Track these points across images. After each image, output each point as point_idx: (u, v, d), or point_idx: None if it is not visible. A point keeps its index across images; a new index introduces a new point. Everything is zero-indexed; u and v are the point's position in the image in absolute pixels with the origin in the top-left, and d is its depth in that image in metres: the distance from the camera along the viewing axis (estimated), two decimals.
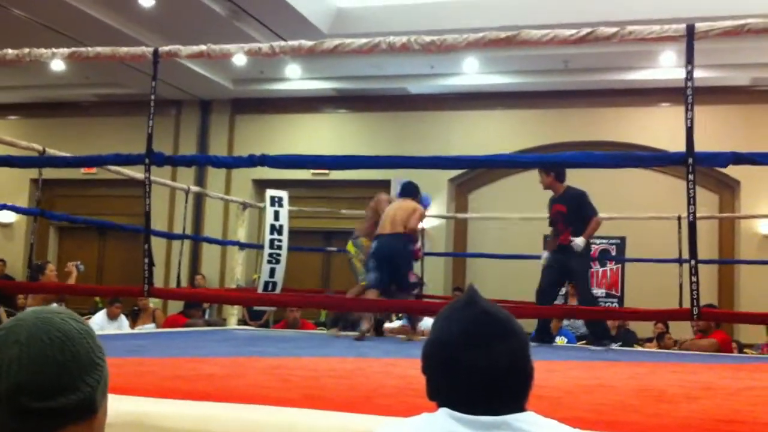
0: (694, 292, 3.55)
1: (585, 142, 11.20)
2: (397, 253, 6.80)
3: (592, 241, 10.88)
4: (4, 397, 1.16)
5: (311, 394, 2.99)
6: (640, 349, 8.33)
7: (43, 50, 4.68)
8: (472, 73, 11.59)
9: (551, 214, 6.78)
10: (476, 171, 12.05)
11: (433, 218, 11.20)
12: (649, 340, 9.17)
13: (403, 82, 12.12)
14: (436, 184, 11.68)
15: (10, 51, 4.72)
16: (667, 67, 10.61)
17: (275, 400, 2.77)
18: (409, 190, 7.15)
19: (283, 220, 7.98)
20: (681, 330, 8.80)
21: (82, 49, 4.75)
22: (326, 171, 11.83)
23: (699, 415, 2.83)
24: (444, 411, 1.41)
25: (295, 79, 12.39)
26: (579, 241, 6.40)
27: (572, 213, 6.56)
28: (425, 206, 7.30)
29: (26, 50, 4.70)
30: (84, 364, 1.20)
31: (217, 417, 2.54)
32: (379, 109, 12.70)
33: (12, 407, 1.16)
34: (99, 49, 4.67)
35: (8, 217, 13.70)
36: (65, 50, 4.70)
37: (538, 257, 7.02)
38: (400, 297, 6.83)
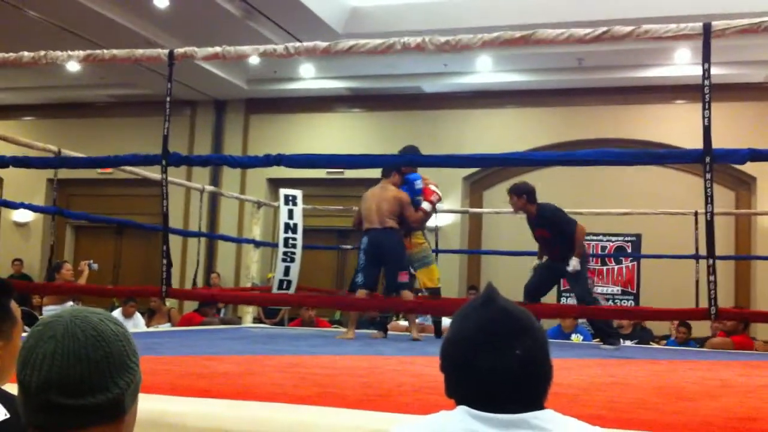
0: (712, 292, 3.52)
1: (599, 140, 11.17)
2: (390, 249, 6.49)
3: (607, 238, 10.95)
4: (34, 391, 1.17)
5: (328, 392, 2.99)
6: (656, 346, 8.29)
7: (59, 53, 4.69)
8: (485, 71, 11.58)
9: (535, 236, 6.70)
10: (490, 169, 12.02)
11: (447, 213, 11.18)
12: (665, 337, 9.12)
13: (417, 81, 12.12)
14: (450, 182, 11.67)
15: (26, 54, 4.74)
16: (681, 64, 10.57)
17: (291, 398, 2.78)
18: (384, 172, 6.78)
19: (298, 218, 7.99)
20: (701, 328, 8.73)
21: (98, 51, 4.76)
22: (341, 170, 11.84)
23: (720, 413, 2.82)
24: (462, 409, 1.41)
25: (308, 78, 12.41)
26: (574, 264, 6.30)
27: (556, 233, 6.47)
28: (416, 188, 6.91)
29: (42, 53, 4.71)
30: (116, 366, 1.21)
31: (233, 415, 2.55)
32: (392, 108, 12.70)
33: (41, 401, 1.17)
34: (115, 51, 4.68)
35: (25, 216, 13.80)
36: (81, 53, 4.72)
37: None
38: (389, 297, 6.59)
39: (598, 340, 7.02)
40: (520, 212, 6.63)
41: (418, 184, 6.93)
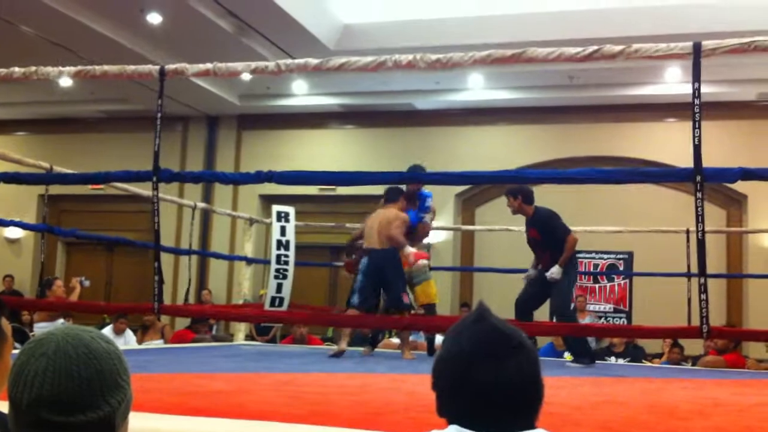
0: (704, 310, 3.52)
1: (591, 157, 11.20)
2: (389, 267, 6.37)
3: (599, 256, 10.96)
4: (25, 408, 1.18)
5: (319, 410, 2.98)
6: (648, 364, 8.28)
7: (50, 68, 4.69)
8: (477, 88, 11.63)
9: (528, 237, 6.61)
10: (483, 186, 12.05)
11: (440, 231, 11.17)
12: (658, 355, 9.11)
13: (409, 98, 12.16)
14: (442, 199, 11.67)
15: (17, 69, 4.74)
16: (672, 82, 10.63)
17: (283, 416, 2.77)
18: (390, 197, 6.64)
19: (290, 235, 7.98)
20: (693, 346, 8.73)
21: (90, 67, 4.76)
22: (333, 186, 11.84)
23: (713, 431, 2.81)
24: (454, 428, 1.41)
25: (301, 94, 12.43)
26: (555, 272, 6.22)
27: (547, 237, 6.36)
28: (425, 205, 6.89)
29: (33, 68, 4.71)
30: (107, 384, 1.21)
31: None
32: (385, 125, 12.73)
33: (32, 418, 1.17)
34: (106, 67, 4.68)
35: (16, 232, 13.74)
36: (72, 69, 4.72)
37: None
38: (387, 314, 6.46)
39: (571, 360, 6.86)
40: (518, 213, 6.56)
41: (429, 202, 6.92)
